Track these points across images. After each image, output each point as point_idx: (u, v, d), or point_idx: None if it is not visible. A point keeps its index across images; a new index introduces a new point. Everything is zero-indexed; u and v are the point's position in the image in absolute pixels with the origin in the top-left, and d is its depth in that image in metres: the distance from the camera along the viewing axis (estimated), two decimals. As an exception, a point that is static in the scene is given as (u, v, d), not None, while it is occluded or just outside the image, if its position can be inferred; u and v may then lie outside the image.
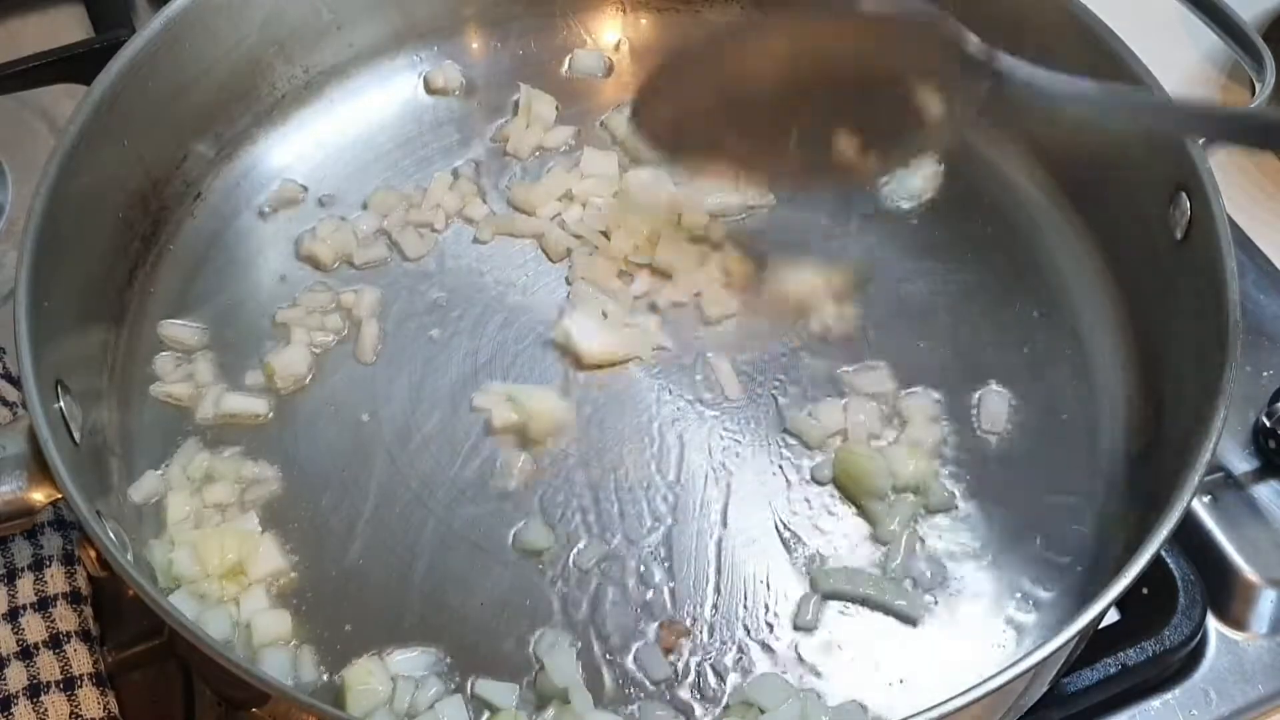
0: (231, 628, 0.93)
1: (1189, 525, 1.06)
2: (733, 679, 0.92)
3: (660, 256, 1.13)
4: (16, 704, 0.92)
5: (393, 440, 1.04)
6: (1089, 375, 1.08)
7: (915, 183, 1.18)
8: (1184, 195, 1.01)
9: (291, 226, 1.17)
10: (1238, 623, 1.03)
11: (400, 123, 1.24)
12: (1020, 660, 0.80)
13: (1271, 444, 1.09)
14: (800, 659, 0.93)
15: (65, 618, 0.96)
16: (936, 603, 0.96)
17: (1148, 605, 1.01)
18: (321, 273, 1.14)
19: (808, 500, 1.01)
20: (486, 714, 0.90)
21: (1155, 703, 1.00)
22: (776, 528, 0.99)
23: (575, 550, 0.98)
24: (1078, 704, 0.99)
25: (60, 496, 0.86)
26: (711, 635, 0.94)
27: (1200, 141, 1.01)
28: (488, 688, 0.91)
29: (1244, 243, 1.24)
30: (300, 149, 1.22)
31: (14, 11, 1.45)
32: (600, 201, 1.17)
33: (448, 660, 0.93)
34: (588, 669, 0.92)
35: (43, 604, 0.97)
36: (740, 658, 0.93)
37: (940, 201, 1.19)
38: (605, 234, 1.15)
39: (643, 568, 0.97)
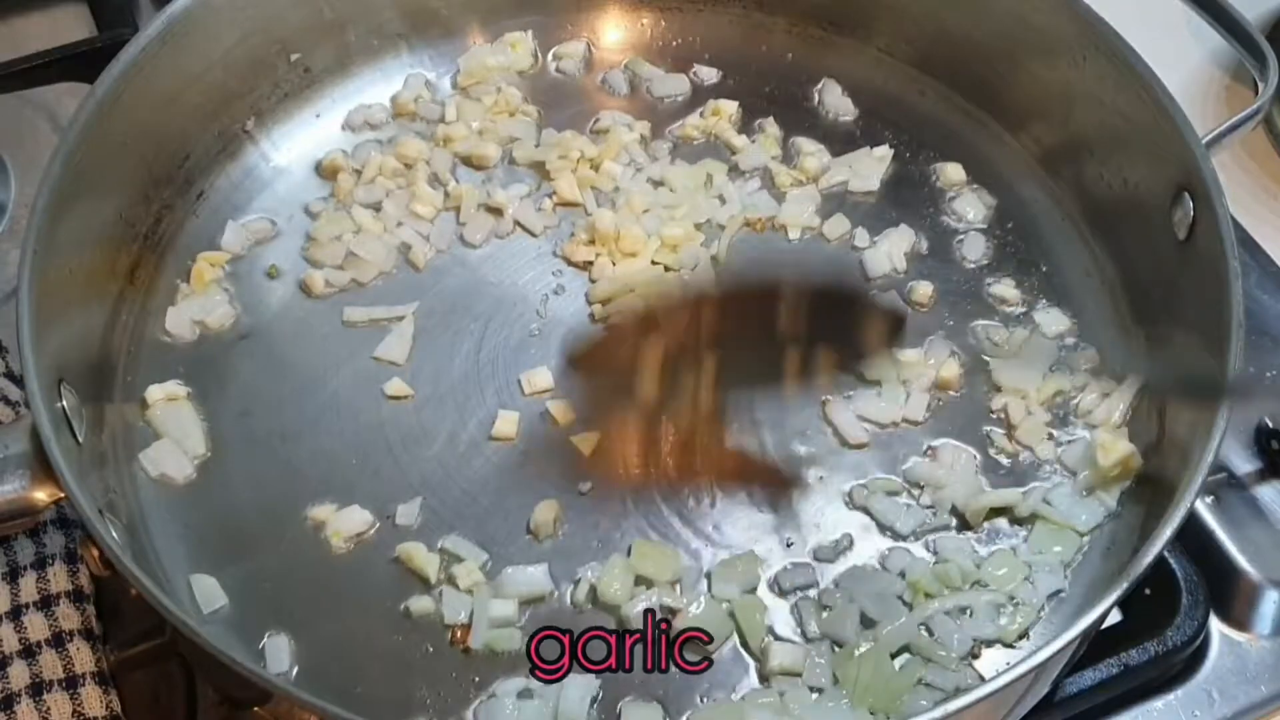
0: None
1: (1192, 526, 1.05)
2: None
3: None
4: (19, 703, 0.92)
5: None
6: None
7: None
8: (1187, 196, 1.01)
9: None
10: (1240, 623, 1.03)
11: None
12: (1022, 661, 0.80)
13: (1274, 445, 1.09)
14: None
15: (68, 616, 0.96)
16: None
17: (1150, 606, 1.01)
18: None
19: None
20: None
21: (1158, 704, 1.00)
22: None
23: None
24: (1080, 705, 0.99)
25: (63, 496, 0.86)
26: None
27: (1204, 140, 1.01)
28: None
29: (1247, 243, 1.24)
30: (302, 148, 1.22)
31: (17, 10, 1.45)
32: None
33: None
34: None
35: (45, 603, 0.97)
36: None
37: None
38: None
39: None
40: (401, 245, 1.15)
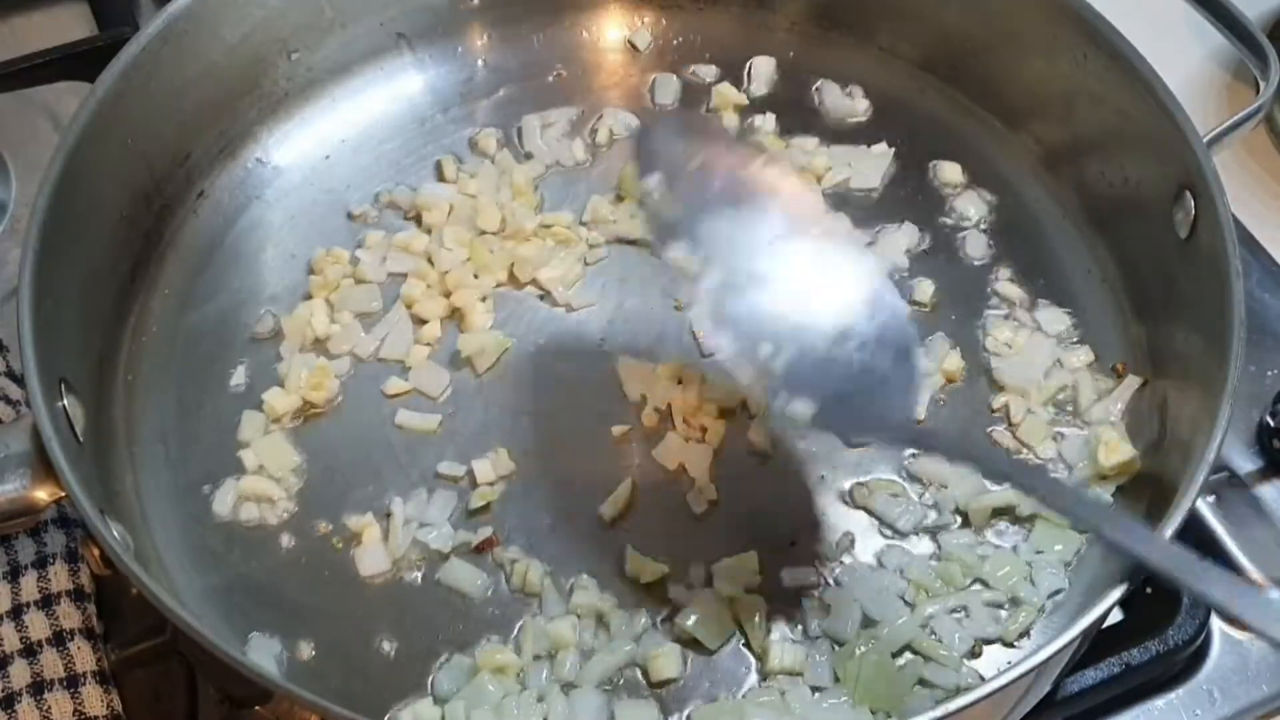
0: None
1: (1193, 525, 1.05)
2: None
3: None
4: (20, 702, 0.92)
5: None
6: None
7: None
8: (1188, 194, 1.00)
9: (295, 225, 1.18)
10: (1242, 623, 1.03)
11: (402, 121, 1.24)
12: (1023, 660, 0.80)
13: (1276, 444, 1.09)
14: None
15: (69, 615, 0.96)
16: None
17: (1151, 605, 1.01)
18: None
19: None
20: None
21: (1159, 703, 1.00)
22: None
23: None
24: (1081, 704, 0.99)
25: (64, 495, 0.86)
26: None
27: (1205, 139, 1.01)
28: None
29: (1248, 242, 1.24)
30: (303, 147, 1.22)
31: (18, 9, 1.45)
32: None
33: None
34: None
35: (46, 602, 0.97)
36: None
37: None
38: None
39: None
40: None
